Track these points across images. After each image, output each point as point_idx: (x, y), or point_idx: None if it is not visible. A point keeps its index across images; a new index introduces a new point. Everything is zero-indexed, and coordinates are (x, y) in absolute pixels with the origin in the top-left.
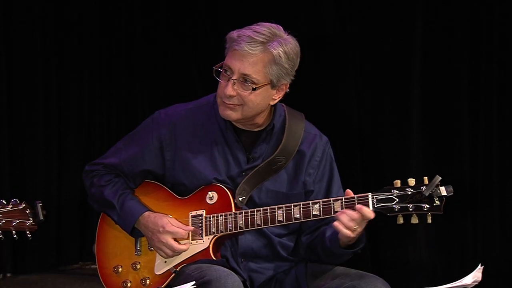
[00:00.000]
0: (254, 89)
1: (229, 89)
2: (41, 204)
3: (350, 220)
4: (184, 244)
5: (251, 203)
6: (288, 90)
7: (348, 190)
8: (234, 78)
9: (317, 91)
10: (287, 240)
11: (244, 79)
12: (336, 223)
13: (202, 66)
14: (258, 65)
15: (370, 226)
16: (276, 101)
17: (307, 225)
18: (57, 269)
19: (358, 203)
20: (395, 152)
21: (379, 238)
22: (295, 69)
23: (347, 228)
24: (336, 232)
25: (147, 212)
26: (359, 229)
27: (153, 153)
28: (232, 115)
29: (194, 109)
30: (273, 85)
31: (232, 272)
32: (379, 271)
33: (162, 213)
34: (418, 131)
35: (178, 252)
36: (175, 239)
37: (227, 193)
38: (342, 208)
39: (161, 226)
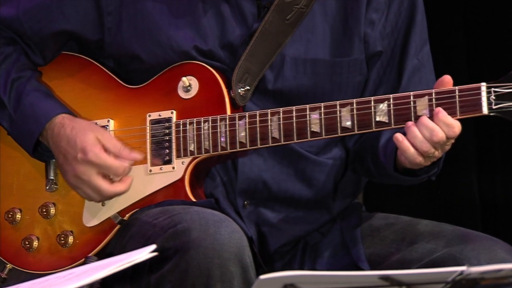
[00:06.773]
0: None
1: None
2: None
3: (425, 136)
4: (123, 182)
5: (262, 93)
6: None
7: (447, 77)
8: None
9: None
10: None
11: None
12: (398, 137)
13: None
14: None
15: (480, 138)
16: None
17: None
18: None
19: (460, 102)
20: None
21: (495, 167)
22: None
23: (418, 149)
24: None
25: (61, 114)
26: (438, 153)
27: None
28: None
29: None
30: None
31: (228, 217)
32: (496, 225)
33: (88, 120)
34: None
35: (110, 197)
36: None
37: (217, 78)
38: (430, 111)
39: (81, 148)
